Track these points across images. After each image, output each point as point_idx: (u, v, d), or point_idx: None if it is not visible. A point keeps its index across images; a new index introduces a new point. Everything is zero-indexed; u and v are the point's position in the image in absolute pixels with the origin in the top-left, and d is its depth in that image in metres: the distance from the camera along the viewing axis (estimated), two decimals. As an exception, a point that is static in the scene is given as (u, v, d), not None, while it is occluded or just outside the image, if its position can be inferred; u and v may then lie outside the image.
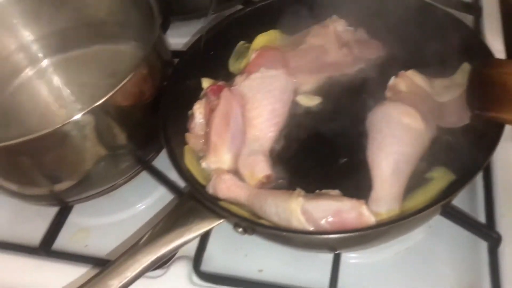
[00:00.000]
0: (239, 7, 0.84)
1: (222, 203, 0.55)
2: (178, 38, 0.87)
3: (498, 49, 0.69)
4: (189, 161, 0.61)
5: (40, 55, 0.79)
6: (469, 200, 0.60)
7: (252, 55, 0.68)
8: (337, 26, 0.70)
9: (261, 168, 0.59)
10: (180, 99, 0.65)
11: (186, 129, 0.65)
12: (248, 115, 0.62)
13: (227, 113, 0.62)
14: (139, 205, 0.70)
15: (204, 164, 0.60)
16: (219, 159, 0.60)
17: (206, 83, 0.68)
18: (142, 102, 0.62)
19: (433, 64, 0.63)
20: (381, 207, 0.52)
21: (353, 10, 0.70)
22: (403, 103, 0.58)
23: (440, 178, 0.55)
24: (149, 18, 0.64)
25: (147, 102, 0.62)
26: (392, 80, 0.63)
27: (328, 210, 0.49)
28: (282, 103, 0.64)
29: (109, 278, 0.48)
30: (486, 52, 0.59)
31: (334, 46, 0.69)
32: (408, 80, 0.63)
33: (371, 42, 0.70)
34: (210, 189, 0.57)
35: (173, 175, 0.67)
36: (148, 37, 0.62)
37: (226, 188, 0.56)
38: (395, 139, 0.56)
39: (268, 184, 0.59)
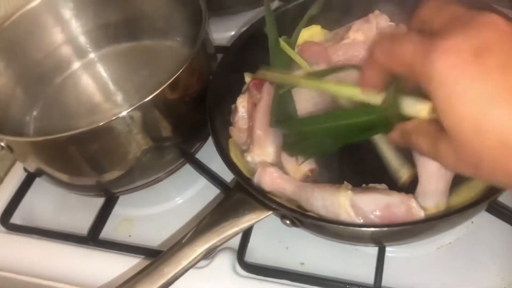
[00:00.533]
0: (279, 3, 0.86)
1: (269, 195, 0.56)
2: (217, 33, 0.88)
3: None
4: (233, 154, 0.62)
5: (88, 48, 0.81)
6: (513, 195, 0.59)
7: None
8: (380, 21, 0.69)
9: (306, 162, 0.59)
10: (224, 93, 0.66)
11: (230, 123, 0.66)
12: (297, 106, 0.62)
13: (270, 106, 0.63)
14: (180, 198, 0.71)
15: (248, 158, 0.61)
16: (263, 151, 0.61)
17: (248, 77, 0.68)
18: (189, 96, 0.63)
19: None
20: (428, 202, 0.52)
21: (395, 6, 0.70)
22: None
23: None
24: (196, 15, 0.65)
25: (193, 96, 0.64)
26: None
27: (378, 204, 0.49)
28: (324, 97, 0.64)
29: (164, 266, 0.49)
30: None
31: (376, 42, 0.69)
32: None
33: (412, 38, 0.70)
34: (255, 181, 0.58)
35: (215, 167, 0.69)
36: (194, 33, 0.64)
37: (271, 180, 0.57)
38: None
39: (312, 178, 0.59)
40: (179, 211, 0.69)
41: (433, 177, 0.54)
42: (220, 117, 0.64)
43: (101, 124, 0.55)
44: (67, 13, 0.77)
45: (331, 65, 0.67)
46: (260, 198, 0.52)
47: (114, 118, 0.56)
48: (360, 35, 0.69)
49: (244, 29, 0.73)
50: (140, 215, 0.71)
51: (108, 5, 0.77)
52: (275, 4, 0.86)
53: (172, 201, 0.71)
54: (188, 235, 0.52)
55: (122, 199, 0.71)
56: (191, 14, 0.67)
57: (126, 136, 0.59)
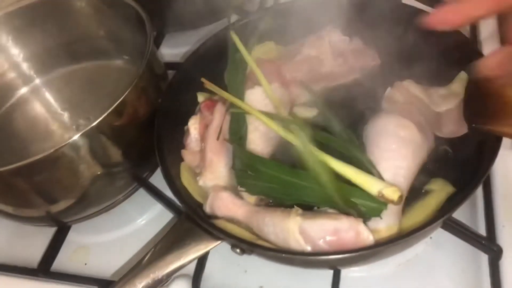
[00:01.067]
0: (235, 17, 0.84)
1: (219, 222, 0.55)
2: (173, 49, 0.87)
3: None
4: (185, 179, 0.60)
5: (33, 73, 0.79)
6: (469, 212, 0.59)
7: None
8: (332, 36, 0.69)
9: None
10: (176, 114, 0.65)
11: (182, 145, 0.64)
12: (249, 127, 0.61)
13: (222, 128, 0.62)
14: (139, 220, 0.69)
15: (201, 182, 0.60)
16: (216, 175, 0.60)
17: (201, 97, 0.67)
18: (137, 119, 0.61)
19: (429, 73, 0.62)
20: (380, 223, 0.51)
21: (348, 20, 0.69)
22: (399, 114, 0.57)
23: (439, 191, 0.55)
24: (142, 33, 0.64)
25: (143, 119, 0.62)
26: (388, 91, 0.62)
27: (326, 229, 0.48)
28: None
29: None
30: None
31: (329, 57, 0.68)
32: (404, 90, 0.62)
33: (367, 52, 0.69)
34: (208, 208, 0.56)
35: (170, 192, 0.67)
36: (141, 52, 0.62)
37: (223, 206, 0.56)
38: (392, 153, 0.55)
39: (266, 200, 0.58)
40: (138, 236, 0.67)
41: None
42: (172, 139, 0.62)
43: (47, 153, 0.54)
44: (7, 38, 0.75)
45: (284, 82, 0.66)
46: (207, 228, 0.50)
47: (60, 146, 0.54)
48: (313, 50, 0.69)
49: (198, 45, 0.72)
50: (96, 241, 0.69)
51: (47, 29, 0.75)
52: (233, 19, 0.85)
53: (129, 226, 0.69)
54: (133, 269, 0.50)
55: (76, 226, 0.69)
56: (137, 33, 0.65)
57: (74, 163, 0.57)
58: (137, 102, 0.60)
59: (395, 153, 0.55)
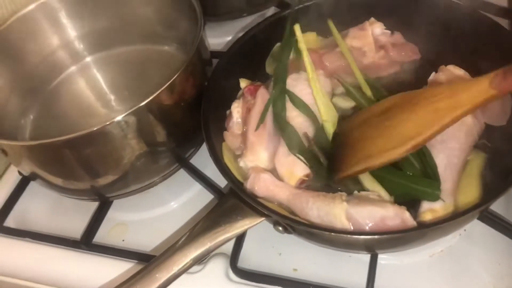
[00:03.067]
0: (275, 9, 0.86)
1: (262, 201, 0.56)
2: (213, 39, 0.88)
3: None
4: (227, 159, 0.62)
5: (84, 52, 0.81)
6: (505, 204, 0.60)
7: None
8: (375, 28, 0.70)
9: (301, 167, 0.59)
10: (219, 98, 0.67)
11: (224, 128, 0.66)
12: (288, 114, 0.63)
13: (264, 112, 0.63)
14: (174, 202, 0.71)
15: (241, 163, 0.62)
16: (257, 157, 0.61)
17: (243, 83, 0.69)
18: (184, 101, 0.63)
19: (470, 69, 0.63)
20: (437, 203, 0.53)
21: (390, 13, 0.70)
22: None
23: (474, 159, 0.58)
24: (192, 20, 0.66)
25: (188, 101, 0.64)
26: (433, 76, 0.63)
27: (373, 216, 0.50)
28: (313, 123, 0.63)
29: (157, 271, 0.49)
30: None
31: (371, 49, 0.69)
32: (450, 73, 0.63)
33: (408, 45, 0.71)
34: (248, 187, 0.58)
35: (209, 173, 0.70)
36: (190, 38, 0.64)
37: (264, 187, 0.57)
38: (446, 136, 0.56)
39: (307, 182, 0.60)
40: (173, 216, 0.69)
41: (440, 178, 0.54)
42: (214, 122, 0.64)
43: (95, 128, 0.56)
44: (62, 17, 0.77)
45: (327, 72, 0.68)
46: (252, 205, 0.52)
47: (108, 123, 0.56)
48: (356, 42, 0.70)
49: (240, 34, 0.73)
50: (134, 219, 0.71)
51: (103, 10, 0.77)
52: (271, 11, 0.87)
53: (166, 206, 0.71)
54: (181, 241, 0.52)
55: (116, 204, 0.71)
56: (187, 20, 0.67)
57: (120, 140, 0.59)
58: (185, 84, 0.62)
59: (448, 135, 0.56)
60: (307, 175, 0.59)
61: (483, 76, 0.47)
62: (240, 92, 0.68)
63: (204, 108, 0.62)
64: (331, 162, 0.59)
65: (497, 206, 0.59)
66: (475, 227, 0.59)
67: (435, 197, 0.52)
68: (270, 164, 0.61)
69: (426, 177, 0.54)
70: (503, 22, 0.76)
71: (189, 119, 0.64)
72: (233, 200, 0.55)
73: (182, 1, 0.68)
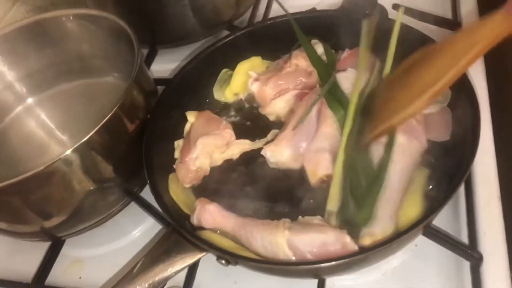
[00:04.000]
0: (226, 32, 0.87)
1: (207, 233, 0.56)
2: (167, 64, 0.88)
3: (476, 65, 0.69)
4: (173, 191, 0.62)
5: (25, 93, 0.80)
6: (452, 220, 0.60)
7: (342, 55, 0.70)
8: (318, 48, 0.71)
9: (325, 167, 0.59)
10: (165, 129, 0.67)
11: (171, 159, 0.66)
12: (325, 112, 0.63)
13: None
14: (133, 233, 0.70)
15: (265, 153, 0.63)
16: (279, 152, 0.62)
17: (191, 117, 0.68)
18: (127, 135, 0.63)
19: None
20: (376, 227, 0.53)
21: (332, 34, 0.71)
22: None
23: (418, 176, 0.58)
24: (130, 50, 0.65)
25: (132, 134, 0.63)
26: None
27: (314, 243, 0.50)
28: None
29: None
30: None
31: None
32: None
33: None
34: (195, 220, 0.58)
35: (161, 204, 0.69)
36: (129, 69, 0.63)
37: (211, 218, 0.57)
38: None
39: (327, 182, 0.59)
40: (131, 248, 0.68)
41: (380, 203, 0.54)
42: (159, 154, 0.64)
43: (39, 169, 0.55)
44: (1, 61, 0.76)
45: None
46: (192, 240, 0.52)
47: (52, 162, 0.55)
48: (302, 61, 0.70)
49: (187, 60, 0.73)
50: (90, 255, 0.70)
51: (37, 51, 0.77)
52: (223, 34, 0.87)
53: (123, 238, 0.70)
54: (122, 280, 0.51)
55: (70, 240, 0.70)
56: (126, 50, 0.67)
57: (66, 179, 0.58)
58: (126, 118, 0.62)
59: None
60: (328, 176, 0.59)
61: (494, 12, 0.47)
62: (186, 128, 0.68)
63: (146, 141, 0.62)
64: (361, 127, 0.59)
65: (444, 222, 0.59)
66: (426, 241, 0.58)
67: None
68: (291, 163, 0.62)
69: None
70: (447, 33, 0.78)
71: (134, 152, 0.64)
72: (175, 236, 0.54)
73: (119, 33, 0.68)
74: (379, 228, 0.53)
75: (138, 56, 0.63)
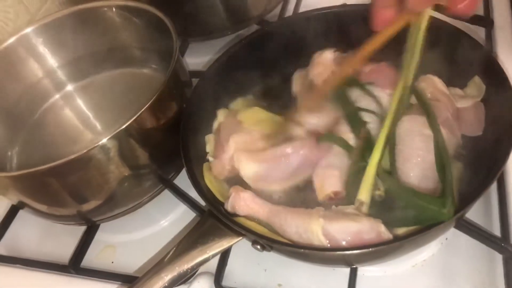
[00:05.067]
0: (256, 27, 0.88)
1: (241, 220, 0.57)
2: (197, 58, 0.90)
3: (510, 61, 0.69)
4: (208, 179, 0.63)
5: (65, 80, 0.83)
6: (484, 212, 0.60)
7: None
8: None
9: (333, 183, 0.58)
10: (199, 119, 0.68)
11: (204, 150, 0.67)
12: (341, 129, 0.62)
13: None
14: (163, 221, 0.72)
15: (239, 158, 0.62)
16: (247, 163, 0.62)
17: (221, 115, 0.69)
18: (163, 124, 0.64)
19: (446, 75, 0.65)
20: None
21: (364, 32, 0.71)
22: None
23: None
24: (169, 42, 0.67)
25: (168, 123, 0.65)
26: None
27: (349, 231, 0.51)
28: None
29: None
30: (495, 66, 0.60)
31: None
32: (431, 83, 0.63)
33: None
34: (229, 207, 0.59)
35: (193, 193, 0.70)
36: (168, 60, 0.65)
37: (245, 205, 0.58)
38: (419, 150, 0.57)
39: (336, 201, 0.58)
40: (161, 235, 0.70)
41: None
42: (195, 143, 0.65)
43: (78, 155, 0.57)
44: (42, 48, 0.79)
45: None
46: (229, 224, 0.53)
47: (90, 148, 0.57)
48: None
49: (219, 54, 0.74)
50: (122, 241, 0.72)
51: (78, 39, 0.79)
52: (253, 29, 0.89)
53: (154, 226, 0.72)
54: (158, 265, 0.53)
55: (104, 226, 0.72)
56: (164, 42, 0.68)
57: (103, 165, 0.60)
58: (163, 107, 0.63)
59: (421, 150, 0.57)
60: (336, 193, 0.58)
61: None
62: (215, 125, 0.69)
63: (183, 131, 0.63)
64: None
65: (476, 214, 0.59)
66: (457, 235, 0.59)
67: (443, 216, 0.50)
68: (251, 180, 0.62)
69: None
70: (480, 30, 0.78)
71: (170, 140, 0.65)
72: (211, 221, 0.56)
73: (158, 25, 0.69)
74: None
75: (176, 47, 0.64)
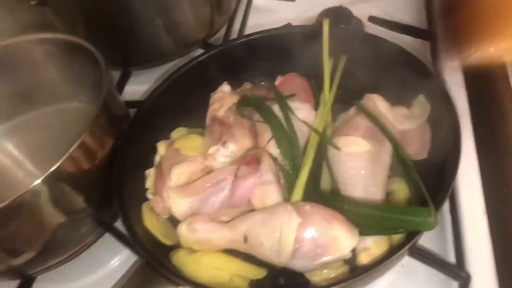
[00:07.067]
0: (201, 51, 0.84)
1: (193, 257, 0.54)
2: (142, 85, 0.86)
3: (455, 74, 0.68)
4: (148, 221, 0.59)
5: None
6: (439, 239, 0.58)
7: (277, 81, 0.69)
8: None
9: (274, 198, 0.56)
10: (138, 155, 0.64)
11: (144, 186, 0.63)
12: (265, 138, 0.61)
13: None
14: (107, 266, 0.67)
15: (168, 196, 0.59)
16: (178, 200, 0.58)
17: (162, 148, 0.65)
18: (98, 163, 0.60)
19: (393, 94, 0.63)
20: (368, 240, 0.52)
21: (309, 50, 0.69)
22: (348, 133, 0.59)
23: (400, 190, 0.57)
24: (99, 74, 0.63)
25: (103, 162, 0.61)
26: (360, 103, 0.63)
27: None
28: (301, 134, 0.62)
29: None
30: (438, 85, 0.59)
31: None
32: (372, 104, 0.62)
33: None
34: (185, 230, 0.55)
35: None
36: (100, 93, 0.61)
37: (202, 228, 0.55)
38: (354, 170, 0.56)
39: None
40: (108, 281, 0.65)
41: None
42: (132, 181, 0.61)
43: (5, 202, 0.52)
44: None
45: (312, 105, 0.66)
46: (165, 274, 0.49)
47: (19, 194, 0.52)
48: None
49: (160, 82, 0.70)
50: (63, 291, 0.66)
51: (3, 78, 0.73)
52: (197, 52, 0.85)
53: (97, 272, 0.67)
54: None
55: (42, 277, 0.66)
56: (96, 73, 0.64)
57: (34, 213, 0.56)
58: (95, 145, 0.59)
59: (355, 169, 0.56)
60: None
61: None
62: (156, 159, 0.65)
63: (117, 169, 0.59)
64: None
65: (431, 242, 0.57)
66: (412, 262, 0.57)
67: (430, 226, 0.48)
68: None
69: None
70: (425, 44, 0.77)
71: (106, 180, 0.61)
72: (148, 269, 0.51)
73: (86, 57, 0.65)
74: (370, 240, 0.51)
75: (106, 81, 0.60)
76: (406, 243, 0.48)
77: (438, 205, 0.48)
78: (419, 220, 0.48)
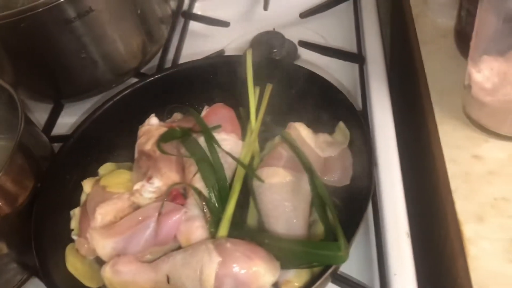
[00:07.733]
0: (134, 80, 0.83)
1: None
2: (74, 117, 0.84)
3: (383, 94, 0.69)
4: (71, 264, 0.58)
5: None
6: (364, 263, 0.58)
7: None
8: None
9: (199, 235, 0.55)
10: (61, 195, 0.62)
11: (68, 227, 0.61)
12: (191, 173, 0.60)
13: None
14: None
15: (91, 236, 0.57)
16: (102, 241, 0.57)
17: (87, 186, 0.64)
18: (17, 206, 0.58)
19: (315, 121, 0.65)
20: (288, 273, 0.51)
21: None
22: (270, 164, 0.59)
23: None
24: (15, 112, 0.61)
25: (24, 203, 0.59)
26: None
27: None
28: (227, 165, 0.62)
29: None
30: (353, 112, 0.60)
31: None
32: (296, 132, 0.63)
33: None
34: (108, 271, 0.54)
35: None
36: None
37: (127, 269, 0.54)
38: (277, 202, 0.56)
39: None
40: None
41: None
42: (56, 222, 0.60)
43: None
44: None
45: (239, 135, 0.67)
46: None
47: None
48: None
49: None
50: None
51: None
52: (131, 81, 0.84)
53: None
54: None
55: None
56: (11, 111, 0.62)
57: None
58: (12, 188, 0.57)
59: (277, 201, 0.56)
60: None
61: None
62: (82, 198, 0.64)
63: (36, 213, 0.57)
64: None
65: (354, 269, 0.57)
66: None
67: (340, 259, 0.49)
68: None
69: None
70: (354, 67, 0.78)
71: (27, 222, 0.59)
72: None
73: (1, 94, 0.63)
74: (291, 274, 0.51)
75: (21, 120, 0.58)
76: (321, 276, 0.49)
77: (349, 238, 0.49)
78: (330, 254, 0.49)
